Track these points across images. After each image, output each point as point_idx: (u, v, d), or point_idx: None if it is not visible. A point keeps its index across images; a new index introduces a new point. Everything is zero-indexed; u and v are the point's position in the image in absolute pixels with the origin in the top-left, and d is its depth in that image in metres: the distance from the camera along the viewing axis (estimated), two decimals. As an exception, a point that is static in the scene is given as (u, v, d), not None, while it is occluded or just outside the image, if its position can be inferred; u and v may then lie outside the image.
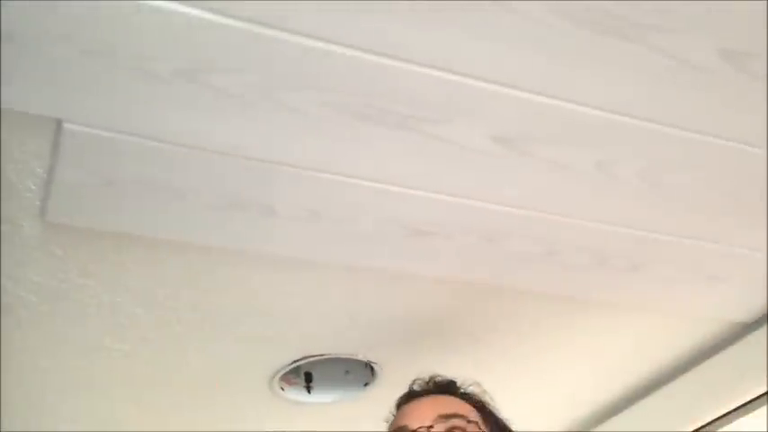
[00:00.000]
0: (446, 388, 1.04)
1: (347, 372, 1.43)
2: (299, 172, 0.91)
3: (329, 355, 1.35)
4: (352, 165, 0.92)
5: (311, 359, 1.35)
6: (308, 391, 1.43)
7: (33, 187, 0.87)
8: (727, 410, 1.36)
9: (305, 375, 1.42)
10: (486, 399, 1.03)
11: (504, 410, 1.05)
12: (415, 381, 1.06)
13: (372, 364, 1.37)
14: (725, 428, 1.40)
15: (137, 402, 1.37)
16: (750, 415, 1.33)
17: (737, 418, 1.35)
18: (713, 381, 1.37)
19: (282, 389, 1.40)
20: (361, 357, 1.36)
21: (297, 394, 1.42)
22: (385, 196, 0.96)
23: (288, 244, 1.03)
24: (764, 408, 1.30)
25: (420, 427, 0.94)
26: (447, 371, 1.15)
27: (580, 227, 1.05)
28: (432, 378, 1.05)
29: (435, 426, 0.94)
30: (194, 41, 0.72)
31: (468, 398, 1.02)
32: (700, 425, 1.41)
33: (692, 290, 1.20)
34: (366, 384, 1.42)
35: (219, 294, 1.15)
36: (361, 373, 1.41)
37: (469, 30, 0.75)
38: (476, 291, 1.19)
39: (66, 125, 0.80)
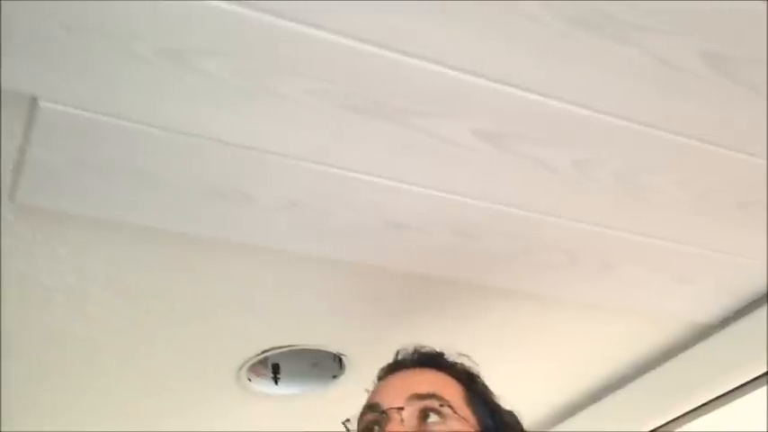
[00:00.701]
0: (430, 360, 0.97)
1: (315, 364, 1.42)
2: (278, 160, 0.90)
3: (298, 346, 1.34)
4: (331, 155, 0.91)
5: (279, 350, 1.34)
6: (276, 383, 1.42)
7: (3, 167, 0.85)
8: (689, 409, 1.38)
9: (272, 367, 1.41)
10: (475, 371, 0.97)
11: None
12: (399, 351, 1.00)
13: (341, 357, 1.37)
14: (685, 428, 1.43)
15: (103, 391, 1.35)
16: (712, 413, 1.36)
17: (700, 416, 1.37)
18: (677, 380, 1.40)
19: (250, 380, 1.39)
20: (330, 349, 1.36)
21: (264, 386, 1.41)
22: (363, 187, 0.96)
23: (263, 233, 1.02)
24: (727, 407, 1.33)
25: (390, 408, 0.89)
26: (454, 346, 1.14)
27: (555, 225, 1.05)
28: (416, 348, 0.99)
29: (407, 407, 0.88)
30: (181, 22, 0.71)
31: (453, 371, 0.96)
32: (662, 422, 1.44)
33: (661, 291, 1.22)
34: (335, 377, 1.41)
35: (190, 283, 1.13)
36: (329, 365, 1.41)
37: (458, 25, 0.75)
38: (448, 286, 1.19)
39: (42, 103, 0.78)
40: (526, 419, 1.63)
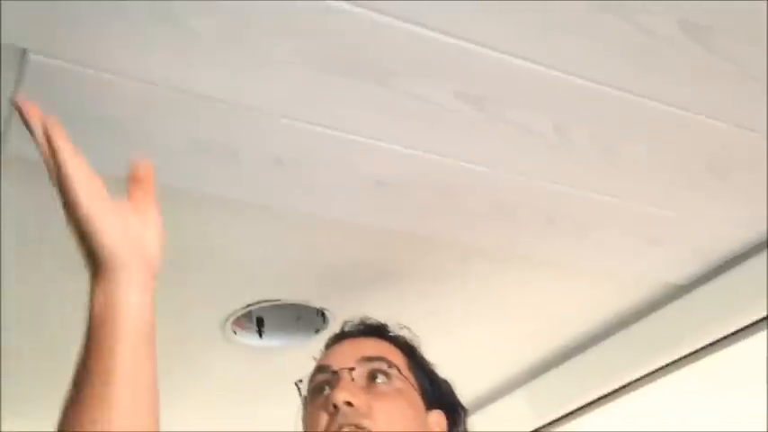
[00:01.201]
0: (375, 330, 1.04)
1: (299, 318, 1.46)
2: (265, 118, 0.92)
3: (282, 300, 1.37)
4: (316, 114, 0.93)
5: (264, 304, 1.38)
6: (260, 336, 1.45)
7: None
8: (658, 367, 1.44)
9: (257, 320, 1.45)
10: (415, 343, 1.03)
11: (445, 359, 1.07)
12: (345, 322, 1.06)
13: (324, 311, 1.40)
14: (654, 385, 1.49)
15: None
16: (681, 371, 1.41)
17: (669, 374, 1.43)
18: (647, 339, 1.44)
19: (235, 332, 1.42)
20: (313, 304, 1.39)
21: (249, 338, 1.44)
22: (347, 146, 0.98)
23: (249, 190, 1.04)
24: (695, 364, 1.38)
25: (342, 369, 0.94)
26: (396, 319, 1.19)
27: (533, 187, 1.08)
28: (362, 320, 1.05)
29: (357, 368, 0.94)
30: (169, -20, 0.72)
31: (396, 341, 1.02)
32: (633, 379, 1.50)
33: (634, 252, 1.26)
34: (317, 331, 1.45)
35: (177, 237, 1.15)
36: (312, 319, 1.45)
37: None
38: (428, 245, 1.22)
39: (32, 56, 0.79)
40: (502, 376, 1.69)
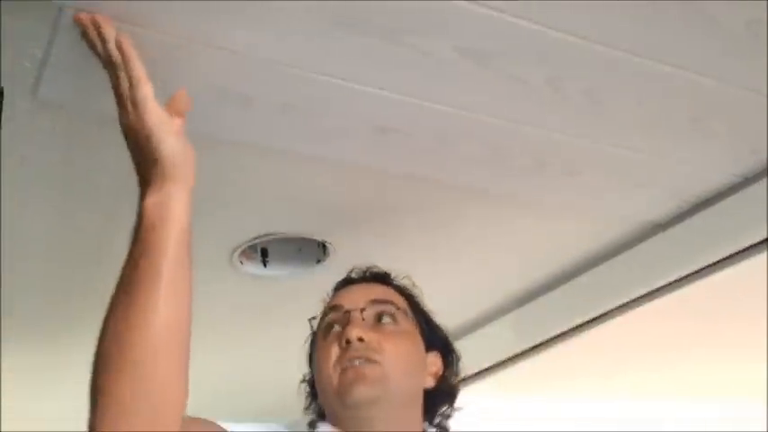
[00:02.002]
0: (380, 278, 1.11)
1: (300, 250, 1.55)
2: (277, 68, 0.98)
3: (286, 234, 1.46)
4: (325, 64, 0.99)
5: (269, 237, 1.46)
6: (264, 266, 1.55)
7: (29, 65, 0.92)
8: (636, 297, 1.55)
9: (261, 251, 1.54)
10: (416, 292, 1.12)
11: (439, 289, 1.14)
12: (352, 269, 1.14)
13: (325, 244, 1.49)
14: (634, 312, 1.60)
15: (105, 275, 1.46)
16: (659, 301, 1.53)
17: (647, 303, 1.54)
18: (626, 273, 1.55)
19: (241, 263, 1.51)
20: (315, 237, 1.48)
21: (254, 268, 1.54)
22: (352, 95, 1.04)
23: (260, 133, 1.11)
24: (670, 295, 1.50)
25: (354, 309, 1.02)
26: (393, 254, 1.28)
27: (525, 134, 1.16)
28: (368, 268, 1.13)
29: (367, 309, 1.03)
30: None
31: (399, 289, 1.11)
32: (612, 307, 1.61)
33: (618, 193, 1.35)
34: (319, 261, 1.54)
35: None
36: (314, 251, 1.54)
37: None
38: (426, 186, 1.30)
39: (67, 9, 0.85)
40: (490, 304, 1.80)
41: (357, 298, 1.05)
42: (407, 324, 1.06)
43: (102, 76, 0.90)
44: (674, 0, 0.92)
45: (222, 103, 1.04)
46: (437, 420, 1.07)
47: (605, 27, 0.96)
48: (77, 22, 0.83)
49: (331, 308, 1.06)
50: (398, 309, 1.05)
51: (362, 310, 1.03)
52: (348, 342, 0.98)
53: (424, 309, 1.12)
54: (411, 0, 0.89)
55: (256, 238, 1.45)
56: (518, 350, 1.85)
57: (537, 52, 0.99)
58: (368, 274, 1.12)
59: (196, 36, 0.91)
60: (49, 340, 1.77)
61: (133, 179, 1.19)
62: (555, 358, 1.83)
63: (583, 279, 1.62)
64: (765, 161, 1.28)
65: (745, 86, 1.10)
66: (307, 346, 1.12)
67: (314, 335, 1.09)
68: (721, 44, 1.01)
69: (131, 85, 0.80)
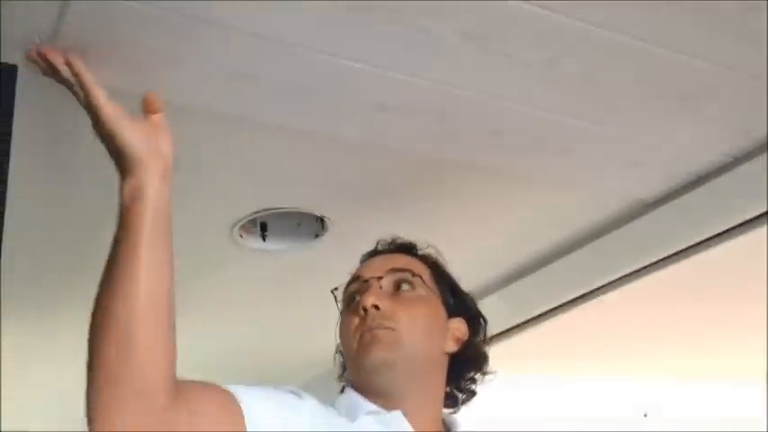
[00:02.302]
0: (405, 248, 1.13)
1: (299, 224, 1.58)
2: (284, 48, 1.00)
3: (285, 208, 1.49)
4: (329, 43, 1.01)
5: (268, 212, 1.49)
6: (264, 240, 1.58)
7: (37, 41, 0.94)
8: (624, 274, 1.59)
9: (261, 226, 1.57)
10: (440, 259, 1.13)
11: None
12: (379, 241, 1.14)
13: (324, 219, 1.52)
14: (625, 288, 1.64)
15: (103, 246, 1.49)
16: (647, 278, 1.57)
17: (636, 280, 1.58)
18: (617, 250, 1.58)
19: (241, 236, 1.54)
20: (314, 212, 1.51)
21: (253, 242, 1.57)
22: (355, 73, 1.07)
23: (266, 111, 1.13)
24: (659, 272, 1.54)
25: (371, 278, 1.05)
26: (390, 229, 1.30)
27: (524, 113, 1.18)
28: (393, 239, 1.14)
29: (385, 277, 1.04)
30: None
31: (423, 258, 1.11)
32: (604, 283, 1.65)
33: (610, 171, 1.38)
34: (317, 236, 1.57)
35: (190, 149, 1.25)
36: (312, 226, 1.57)
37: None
38: (424, 163, 1.33)
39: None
40: (483, 279, 1.83)
41: (377, 267, 1.07)
42: (425, 291, 1.07)
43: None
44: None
45: (228, 81, 1.06)
46: (463, 385, 1.09)
47: (602, 9, 0.98)
48: (30, 61, 0.94)
49: (352, 279, 1.08)
50: (415, 275, 1.06)
51: (380, 278, 1.05)
52: (365, 310, 1.01)
53: (449, 275, 1.13)
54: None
55: (256, 212, 1.48)
56: (510, 325, 1.88)
57: (535, 34, 1.01)
58: (392, 245, 1.14)
59: (204, 15, 0.93)
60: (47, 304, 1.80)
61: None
62: (547, 333, 1.87)
63: (576, 255, 1.65)
64: (756, 141, 1.31)
65: (737, 68, 1.12)
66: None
67: (342, 309, 1.10)
68: (714, 26, 1.03)
69: (86, 95, 0.90)
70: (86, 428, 0.79)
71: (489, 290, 1.85)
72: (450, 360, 1.07)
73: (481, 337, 1.12)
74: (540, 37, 1.01)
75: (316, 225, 1.57)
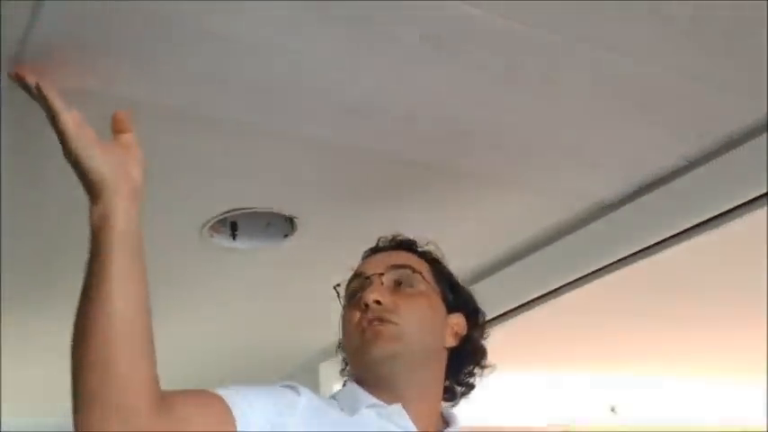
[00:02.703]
0: (404, 244, 1.15)
1: (269, 224, 1.60)
2: (252, 49, 1.03)
3: (255, 208, 1.51)
4: (300, 47, 1.04)
5: (238, 211, 1.51)
6: (234, 239, 1.60)
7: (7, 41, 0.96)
8: (588, 272, 1.64)
9: (231, 225, 1.59)
10: (439, 255, 1.16)
11: None
12: (380, 238, 1.17)
13: (293, 219, 1.55)
14: (584, 288, 1.69)
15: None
16: (608, 277, 1.62)
17: (597, 279, 1.64)
18: (578, 249, 1.63)
19: (211, 236, 1.56)
20: (283, 212, 1.53)
21: (224, 241, 1.59)
22: (325, 76, 1.10)
23: (235, 111, 1.16)
24: (619, 272, 1.59)
25: (373, 274, 1.07)
26: (359, 230, 1.33)
27: (485, 115, 1.22)
28: (394, 236, 1.16)
29: (386, 274, 1.07)
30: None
31: (422, 255, 1.14)
32: (564, 283, 1.70)
33: (571, 173, 1.43)
34: (286, 236, 1.60)
35: (164, 152, 1.27)
36: (282, 225, 1.59)
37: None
38: (391, 164, 1.36)
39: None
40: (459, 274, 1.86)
41: (378, 264, 1.10)
42: (425, 286, 1.09)
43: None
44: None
45: (197, 82, 1.08)
46: (462, 378, 1.13)
47: (559, 17, 1.02)
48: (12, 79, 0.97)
49: (354, 276, 1.11)
50: (415, 272, 1.09)
51: (381, 274, 1.07)
52: (366, 305, 1.03)
53: (448, 272, 1.16)
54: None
55: (226, 212, 1.50)
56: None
57: (495, 40, 1.05)
58: (393, 242, 1.16)
59: (174, 18, 0.95)
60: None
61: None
62: (516, 330, 1.92)
63: (538, 255, 1.70)
64: (712, 144, 1.36)
65: (692, 73, 1.17)
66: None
67: (344, 306, 1.13)
68: (669, 32, 1.08)
69: (54, 120, 0.91)
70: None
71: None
72: (450, 354, 1.10)
73: (480, 331, 1.15)
74: (498, 42, 1.05)
75: (285, 225, 1.59)
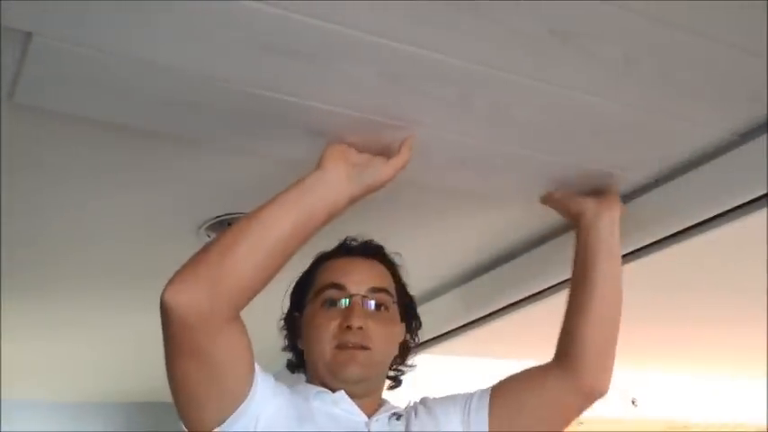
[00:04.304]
0: (376, 252, 1.26)
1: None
2: (226, 83, 1.13)
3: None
4: (258, 80, 1.11)
5: (235, 215, 1.63)
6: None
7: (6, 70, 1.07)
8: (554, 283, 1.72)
9: (228, 225, 1.70)
10: (399, 265, 1.28)
11: None
12: (348, 238, 1.26)
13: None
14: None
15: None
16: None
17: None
18: (557, 256, 1.70)
19: (209, 236, 1.68)
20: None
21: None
22: (287, 105, 1.17)
23: (221, 134, 1.27)
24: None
25: (356, 294, 1.17)
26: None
27: (450, 138, 1.30)
28: (365, 241, 1.26)
29: (368, 296, 1.18)
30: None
31: (389, 265, 1.26)
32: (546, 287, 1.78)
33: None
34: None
35: (159, 169, 1.40)
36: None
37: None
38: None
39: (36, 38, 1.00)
40: (441, 279, 1.95)
41: (360, 280, 1.19)
42: (394, 310, 1.23)
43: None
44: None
45: (178, 109, 1.19)
46: (392, 374, 1.27)
47: (499, 52, 1.09)
48: None
49: (334, 285, 1.19)
50: (390, 295, 1.22)
51: (364, 297, 1.18)
52: (349, 327, 1.14)
53: (404, 284, 1.29)
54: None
55: (220, 216, 1.62)
56: (465, 321, 2.02)
57: (443, 71, 1.12)
58: (366, 248, 1.26)
59: (149, 55, 1.06)
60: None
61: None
62: (498, 331, 2.00)
63: (517, 261, 1.78)
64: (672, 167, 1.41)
65: (644, 105, 1.23)
66: (291, 290, 1.27)
67: (301, 290, 1.24)
68: (616, 70, 1.14)
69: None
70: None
71: (445, 288, 1.99)
72: None
73: (414, 338, 1.28)
74: (446, 76, 1.12)
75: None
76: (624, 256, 1.54)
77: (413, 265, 1.84)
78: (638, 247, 1.57)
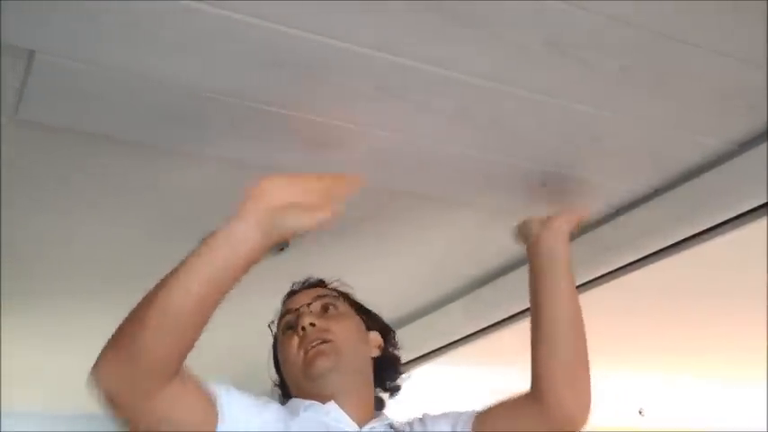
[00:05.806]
0: (318, 283, 1.35)
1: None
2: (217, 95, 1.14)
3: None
4: (259, 94, 1.14)
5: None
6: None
7: (8, 85, 1.09)
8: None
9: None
10: (348, 290, 1.35)
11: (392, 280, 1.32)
12: (294, 283, 1.36)
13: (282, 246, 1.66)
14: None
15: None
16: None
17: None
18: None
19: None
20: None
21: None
22: (281, 119, 1.20)
23: (220, 148, 1.30)
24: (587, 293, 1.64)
25: (301, 306, 1.26)
26: (346, 255, 1.49)
27: (447, 151, 1.31)
28: (306, 279, 1.36)
29: (313, 303, 1.26)
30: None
31: (335, 289, 1.34)
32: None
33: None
34: (281, 249, 1.71)
35: (159, 181, 1.41)
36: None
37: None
38: (373, 195, 1.42)
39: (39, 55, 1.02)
40: (443, 291, 1.95)
41: (303, 299, 1.28)
42: (347, 308, 1.30)
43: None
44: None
45: (170, 124, 1.21)
46: (388, 384, 1.31)
47: (483, 61, 1.10)
48: None
49: (286, 312, 1.29)
50: (338, 298, 1.30)
51: (309, 304, 1.26)
52: (303, 329, 1.20)
53: (356, 300, 1.35)
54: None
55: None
56: (467, 333, 2.02)
57: (437, 85, 1.13)
58: (306, 283, 1.35)
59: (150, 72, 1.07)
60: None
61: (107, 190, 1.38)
62: (500, 341, 2.00)
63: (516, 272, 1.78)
64: (672, 175, 1.42)
65: (641, 114, 1.24)
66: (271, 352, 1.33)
67: (275, 337, 1.31)
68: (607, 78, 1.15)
69: None
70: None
71: (448, 300, 2.00)
72: (374, 364, 1.28)
73: (393, 343, 1.33)
74: (444, 88, 1.14)
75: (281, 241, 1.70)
76: (625, 266, 1.60)
77: (415, 277, 1.88)
78: (638, 257, 1.58)
